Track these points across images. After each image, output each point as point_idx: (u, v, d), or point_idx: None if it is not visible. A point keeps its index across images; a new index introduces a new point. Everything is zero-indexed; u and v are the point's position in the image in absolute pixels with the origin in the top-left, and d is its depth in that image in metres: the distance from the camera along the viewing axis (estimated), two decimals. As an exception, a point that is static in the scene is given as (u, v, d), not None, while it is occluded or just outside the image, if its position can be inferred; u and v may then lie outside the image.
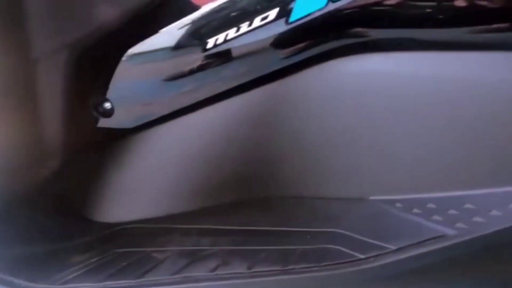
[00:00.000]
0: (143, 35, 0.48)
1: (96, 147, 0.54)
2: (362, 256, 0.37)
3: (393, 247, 0.37)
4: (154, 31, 0.47)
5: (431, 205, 0.41)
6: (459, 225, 0.36)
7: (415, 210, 0.42)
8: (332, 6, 0.39)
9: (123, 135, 0.53)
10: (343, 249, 0.40)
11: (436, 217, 0.39)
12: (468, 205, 0.38)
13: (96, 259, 0.46)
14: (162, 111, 0.50)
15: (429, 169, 0.43)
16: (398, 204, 0.45)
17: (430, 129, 0.41)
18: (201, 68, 0.46)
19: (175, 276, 0.40)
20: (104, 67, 0.50)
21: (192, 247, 0.46)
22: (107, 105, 0.51)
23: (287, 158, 0.50)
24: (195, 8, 0.47)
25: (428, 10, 0.39)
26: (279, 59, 0.44)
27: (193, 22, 0.45)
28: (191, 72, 0.47)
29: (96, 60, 0.49)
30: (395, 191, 0.45)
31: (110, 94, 0.50)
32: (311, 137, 0.48)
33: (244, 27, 0.43)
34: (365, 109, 0.44)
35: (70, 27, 0.48)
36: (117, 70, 0.49)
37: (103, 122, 0.51)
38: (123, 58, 0.48)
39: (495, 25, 0.38)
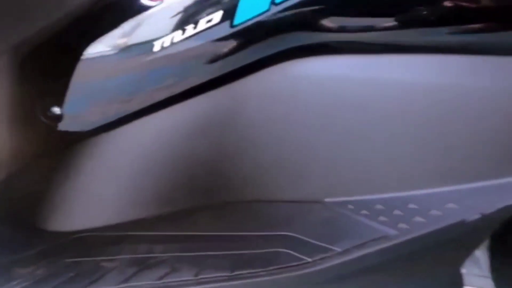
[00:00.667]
0: (92, 37, 0.47)
1: (47, 155, 0.53)
2: (309, 259, 0.37)
3: (339, 249, 0.37)
4: (102, 33, 0.46)
5: (379, 206, 0.42)
6: (401, 225, 0.36)
7: (364, 212, 0.42)
8: (276, 9, 0.39)
9: (74, 142, 0.52)
10: (292, 252, 0.40)
11: (381, 218, 0.39)
12: (411, 205, 0.38)
13: (44, 270, 0.44)
14: (112, 116, 0.49)
15: (378, 171, 0.43)
16: (349, 206, 0.45)
17: (379, 133, 0.42)
18: (149, 72, 0.45)
19: (121, 285, 0.39)
20: (52, 70, 0.49)
21: (143, 254, 0.45)
22: (56, 109, 0.49)
23: (243, 162, 0.49)
24: (144, 8, 0.46)
25: (374, 14, 0.39)
26: (226, 62, 0.43)
27: (139, 25, 0.44)
28: (140, 75, 0.46)
29: (43, 63, 0.48)
30: (348, 192, 0.46)
31: (59, 98, 0.49)
32: (265, 140, 0.47)
33: (190, 30, 0.42)
34: (317, 112, 0.44)
35: (15, 29, 0.46)
36: (67, 73, 0.47)
37: (58, 126, 0.49)
38: (74, 61, 0.47)
39: (440, 28, 0.38)
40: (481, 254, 0.54)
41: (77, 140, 0.51)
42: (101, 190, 0.52)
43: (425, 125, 0.38)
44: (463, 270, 0.53)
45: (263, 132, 0.47)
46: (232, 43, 0.42)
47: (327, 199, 0.47)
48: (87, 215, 0.52)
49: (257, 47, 0.42)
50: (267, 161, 0.48)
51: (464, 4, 0.35)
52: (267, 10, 0.39)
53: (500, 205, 0.31)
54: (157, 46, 0.43)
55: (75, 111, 0.50)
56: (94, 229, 0.51)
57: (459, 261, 0.38)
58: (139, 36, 0.44)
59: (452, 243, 0.34)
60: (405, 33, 0.39)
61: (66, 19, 0.47)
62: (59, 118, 0.50)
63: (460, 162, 0.37)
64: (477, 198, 0.34)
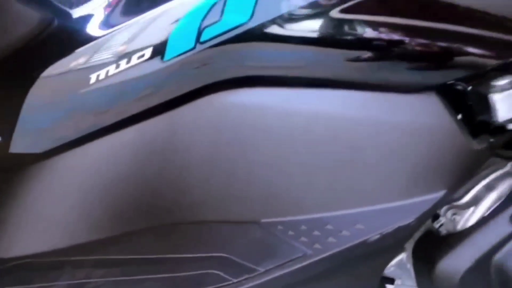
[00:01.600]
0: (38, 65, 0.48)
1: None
2: (234, 280, 0.40)
3: (262, 269, 0.40)
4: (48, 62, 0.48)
5: (303, 227, 0.45)
6: (316, 245, 0.39)
7: (290, 232, 0.45)
8: (201, 47, 0.42)
9: (17, 165, 0.52)
10: (221, 273, 0.42)
11: (303, 238, 0.42)
12: (328, 226, 0.42)
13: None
14: (56, 141, 0.50)
15: (303, 194, 0.47)
16: (279, 227, 0.48)
17: (302, 160, 0.45)
18: (86, 102, 0.47)
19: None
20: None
21: (82, 280, 0.47)
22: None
23: (184, 185, 0.52)
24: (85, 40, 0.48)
25: (294, 54, 0.43)
26: (159, 93, 0.46)
27: (75, 59, 0.46)
28: (80, 104, 0.48)
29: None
30: (280, 213, 0.49)
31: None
32: (203, 165, 0.50)
33: (123, 64, 0.44)
34: (246, 139, 0.47)
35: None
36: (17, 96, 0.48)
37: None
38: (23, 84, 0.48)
39: (358, 66, 0.42)
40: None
41: (20, 164, 0.52)
42: (43, 215, 0.53)
43: (338, 153, 0.42)
44: (397, 281, 0.57)
45: (199, 158, 0.49)
46: (163, 77, 0.44)
47: (263, 220, 0.50)
48: (27, 240, 0.52)
49: (186, 80, 0.45)
50: (206, 184, 0.51)
51: (377, 46, 0.39)
52: (193, 48, 0.42)
53: (396, 225, 0.35)
54: (93, 79, 0.46)
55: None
56: (35, 255, 0.51)
57: (374, 276, 0.42)
58: (76, 69, 0.46)
59: (361, 260, 0.38)
60: (325, 69, 0.43)
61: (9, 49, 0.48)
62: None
63: (368, 186, 0.41)
64: (380, 219, 0.38)
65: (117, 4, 0.45)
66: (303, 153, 0.46)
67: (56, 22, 0.46)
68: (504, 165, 0.50)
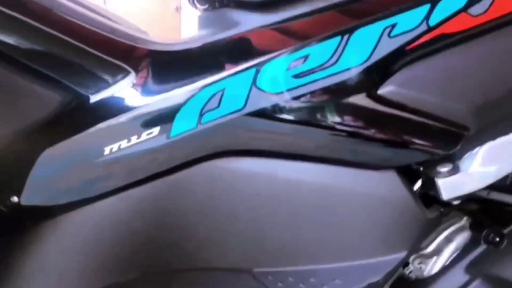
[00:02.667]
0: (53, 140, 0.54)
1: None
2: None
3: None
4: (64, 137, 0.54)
5: (290, 279, 0.52)
6: (299, 298, 0.46)
7: (279, 284, 0.52)
8: (201, 127, 0.50)
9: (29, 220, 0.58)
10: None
11: (289, 291, 0.49)
12: (312, 279, 0.49)
13: None
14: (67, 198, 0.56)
15: (291, 247, 0.54)
16: (270, 277, 0.55)
17: (290, 219, 0.53)
18: (99, 168, 0.54)
19: None
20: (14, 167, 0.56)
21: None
22: (14, 199, 0.56)
23: (185, 236, 0.58)
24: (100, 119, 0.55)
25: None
26: (163, 162, 0.53)
27: (91, 134, 0.53)
28: (93, 173, 0.55)
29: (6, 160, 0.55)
30: (272, 264, 0.56)
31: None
32: (202, 220, 0.57)
33: (134, 139, 0.52)
34: (239, 200, 0.54)
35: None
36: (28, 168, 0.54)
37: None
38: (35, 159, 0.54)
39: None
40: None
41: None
42: (52, 270, 0.58)
43: (317, 215, 0.50)
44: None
45: (197, 213, 0.57)
46: (167, 150, 0.52)
47: (255, 269, 0.57)
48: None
49: (187, 151, 0.53)
50: (204, 236, 0.58)
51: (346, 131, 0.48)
52: (195, 128, 0.50)
53: (367, 281, 0.42)
54: (107, 151, 0.53)
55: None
56: None
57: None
58: (91, 142, 0.53)
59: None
60: (305, 146, 0.51)
61: (25, 127, 0.54)
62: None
63: (342, 244, 0.48)
64: (354, 275, 0.45)
65: (132, 87, 0.53)
66: (287, 213, 0.53)
67: (74, 103, 0.53)
68: (461, 219, 0.58)
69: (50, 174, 0.56)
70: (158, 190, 0.56)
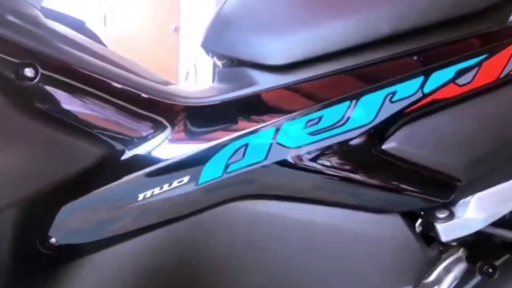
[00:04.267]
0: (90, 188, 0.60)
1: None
2: None
3: None
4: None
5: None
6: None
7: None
8: (227, 176, 0.57)
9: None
10: None
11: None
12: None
13: None
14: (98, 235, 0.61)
15: (304, 282, 0.60)
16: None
17: (302, 256, 0.59)
18: (132, 214, 0.60)
19: None
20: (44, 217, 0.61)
21: None
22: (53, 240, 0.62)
23: (207, 274, 0.64)
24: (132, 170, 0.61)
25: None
26: (192, 205, 0.59)
27: (127, 182, 0.59)
28: (125, 216, 0.61)
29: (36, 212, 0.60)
30: None
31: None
32: (224, 258, 0.63)
33: (166, 187, 0.58)
34: (256, 239, 0.61)
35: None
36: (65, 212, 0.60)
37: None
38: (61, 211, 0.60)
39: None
40: None
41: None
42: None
43: (329, 254, 0.57)
44: None
45: (217, 252, 0.62)
46: (195, 195, 0.58)
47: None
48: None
49: (213, 196, 0.59)
50: (223, 273, 0.63)
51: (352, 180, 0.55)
52: (221, 176, 0.57)
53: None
54: (141, 197, 0.59)
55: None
56: None
57: None
58: (126, 189, 0.59)
59: None
60: (318, 193, 0.58)
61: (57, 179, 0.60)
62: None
63: (353, 280, 0.54)
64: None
65: (167, 142, 0.60)
66: (300, 251, 0.59)
67: (113, 156, 0.59)
68: (458, 250, 0.65)
69: (84, 216, 0.62)
70: (182, 231, 0.62)
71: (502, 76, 0.49)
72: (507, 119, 0.50)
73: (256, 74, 0.61)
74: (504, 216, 0.67)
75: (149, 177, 0.59)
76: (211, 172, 0.57)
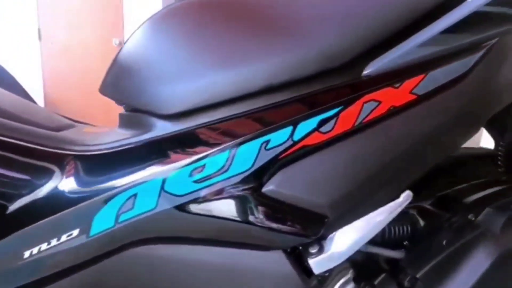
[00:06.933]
0: None
1: None
2: None
3: None
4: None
5: None
6: None
7: None
8: (119, 225, 0.58)
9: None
10: None
11: None
12: None
13: None
14: None
15: None
16: None
17: None
18: (20, 271, 0.58)
19: None
20: None
21: None
22: None
23: None
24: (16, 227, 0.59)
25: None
26: (86, 255, 0.59)
27: (11, 240, 0.57)
28: (13, 273, 0.58)
29: None
30: None
31: None
32: None
33: (54, 242, 0.57)
34: (157, 285, 0.62)
35: None
36: None
37: None
38: None
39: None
40: None
41: None
42: None
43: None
44: None
45: None
46: (87, 246, 0.58)
47: None
48: None
49: (108, 246, 0.59)
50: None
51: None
52: (113, 226, 0.58)
53: None
54: (27, 254, 0.57)
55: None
56: None
57: None
58: (9, 246, 0.57)
59: None
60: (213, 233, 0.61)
61: None
62: None
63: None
64: None
65: (51, 193, 0.58)
66: None
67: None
68: (348, 272, 0.72)
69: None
70: (82, 281, 0.61)
71: (356, 124, 0.58)
72: (363, 160, 0.59)
73: (151, 121, 0.63)
74: (384, 235, 0.76)
75: (34, 234, 0.57)
76: (102, 224, 0.58)
